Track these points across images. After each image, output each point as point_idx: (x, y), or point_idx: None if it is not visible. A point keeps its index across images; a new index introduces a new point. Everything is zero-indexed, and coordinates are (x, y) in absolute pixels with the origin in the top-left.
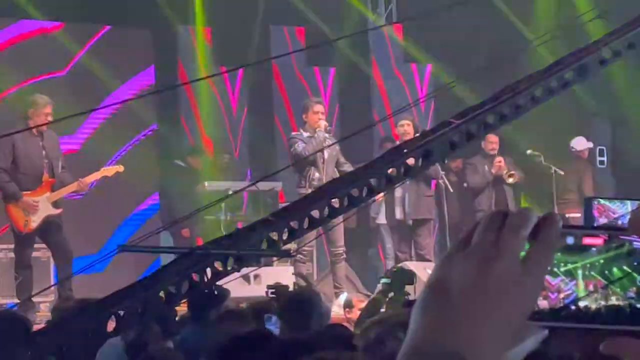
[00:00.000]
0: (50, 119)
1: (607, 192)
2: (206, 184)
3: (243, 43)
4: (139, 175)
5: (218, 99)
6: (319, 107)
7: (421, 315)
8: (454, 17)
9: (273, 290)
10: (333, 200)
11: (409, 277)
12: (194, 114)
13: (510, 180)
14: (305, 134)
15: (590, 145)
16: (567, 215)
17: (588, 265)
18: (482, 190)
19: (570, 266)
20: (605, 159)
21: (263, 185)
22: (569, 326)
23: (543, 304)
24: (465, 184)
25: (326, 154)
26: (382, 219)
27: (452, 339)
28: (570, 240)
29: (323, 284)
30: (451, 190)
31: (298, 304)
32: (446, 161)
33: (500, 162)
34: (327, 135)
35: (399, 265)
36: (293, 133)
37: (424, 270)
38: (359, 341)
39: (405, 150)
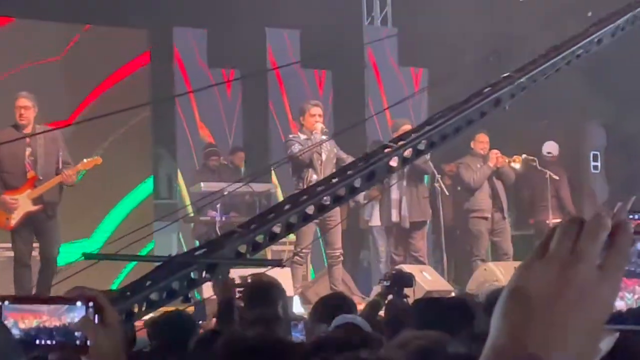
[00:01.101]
0: (23, 112)
1: (601, 197)
2: (202, 184)
3: (239, 44)
4: (133, 160)
5: (219, 101)
6: (316, 110)
7: (502, 320)
8: (449, 22)
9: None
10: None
11: (408, 279)
12: (193, 113)
13: (517, 165)
14: (303, 137)
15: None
16: (547, 221)
17: None
18: (479, 188)
19: None
20: (599, 164)
21: (258, 187)
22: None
23: (619, 304)
24: (459, 188)
25: (324, 155)
26: (375, 221)
27: (533, 345)
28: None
29: (318, 285)
30: (447, 193)
31: (261, 291)
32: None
33: (497, 154)
34: (323, 137)
35: (398, 267)
36: (290, 135)
37: (420, 273)
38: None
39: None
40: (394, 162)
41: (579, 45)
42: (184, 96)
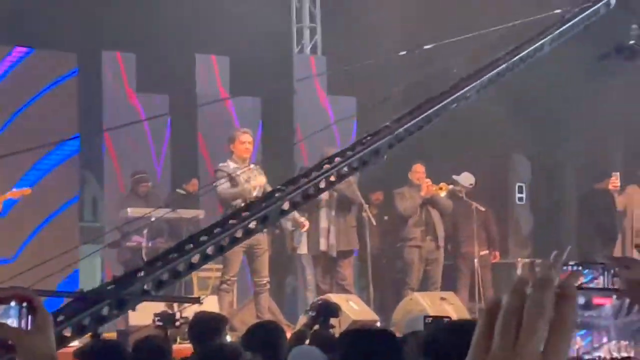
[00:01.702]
0: None
1: (526, 228)
2: (128, 210)
3: (168, 70)
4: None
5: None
6: (246, 137)
7: None
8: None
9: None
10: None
11: (334, 309)
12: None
13: (443, 193)
14: (233, 165)
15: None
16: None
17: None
18: (411, 216)
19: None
20: (524, 195)
21: (185, 213)
22: None
23: None
24: (385, 217)
25: (253, 184)
26: (303, 249)
27: None
28: (581, 300)
29: (244, 313)
30: (374, 222)
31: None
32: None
33: (427, 182)
34: (254, 166)
35: (324, 297)
36: (220, 165)
37: (346, 303)
38: None
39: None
40: (286, 206)
41: (448, 100)
42: (113, 120)
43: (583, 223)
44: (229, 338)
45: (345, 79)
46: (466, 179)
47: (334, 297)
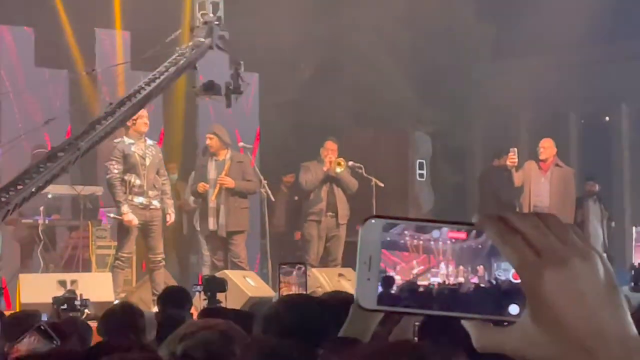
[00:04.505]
0: None
1: (427, 206)
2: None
3: (67, 45)
4: None
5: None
6: (143, 112)
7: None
8: (283, 28)
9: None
10: None
11: (221, 284)
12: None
13: (338, 169)
14: (128, 140)
15: None
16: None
17: None
18: (312, 190)
19: None
20: (424, 171)
21: (83, 190)
22: None
23: None
24: (295, 197)
25: (148, 161)
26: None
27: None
28: (436, 233)
29: (141, 290)
30: (272, 199)
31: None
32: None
33: (330, 158)
34: (149, 142)
35: (220, 272)
36: (116, 140)
37: (243, 279)
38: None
39: None
40: None
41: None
42: (6, 95)
43: (483, 200)
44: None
45: (250, 55)
46: None
47: (230, 274)
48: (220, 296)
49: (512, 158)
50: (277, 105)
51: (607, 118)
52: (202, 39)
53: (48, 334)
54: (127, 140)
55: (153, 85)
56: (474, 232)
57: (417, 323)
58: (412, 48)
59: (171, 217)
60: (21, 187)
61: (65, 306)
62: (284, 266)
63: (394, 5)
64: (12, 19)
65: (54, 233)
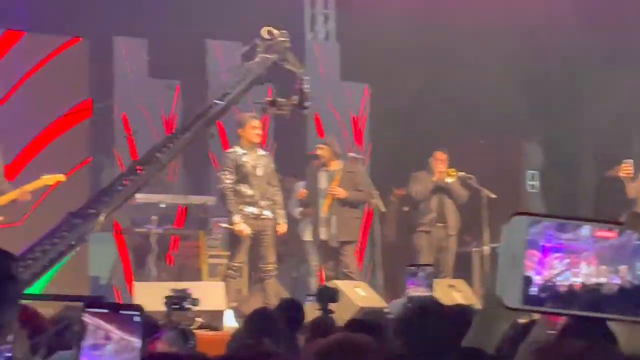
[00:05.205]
0: None
1: None
2: (137, 195)
3: (179, 56)
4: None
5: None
6: (255, 122)
7: None
8: (393, 39)
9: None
10: None
11: (333, 295)
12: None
13: (449, 179)
14: (240, 151)
15: None
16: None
17: None
18: (422, 200)
19: None
20: (537, 183)
21: (195, 199)
22: None
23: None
24: (405, 208)
25: (260, 171)
26: (308, 237)
27: None
28: (583, 231)
29: (252, 299)
30: (383, 209)
31: None
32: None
33: (440, 169)
34: (261, 152)
35: (330, 283)
36: (228, 151)
37: (353, 290)
38: None
39: None
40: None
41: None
42: (124, 106)
43: (597, 211)
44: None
45: (358, 65)
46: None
47: (341, 284)
48: (332, 306)
49: (627, 169)
50: (387, 115)
51: None
52: (268, 55)
53: (185, 334)
54: (239, 150)
55: (225, 100)
56: (620, 231)
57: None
58: (521, 57)
59: (282, 227)
60: (108, 199)
61: (176, 305)
62: (411, 267)
63: (503, 14)
64: (126, 29)
65: (167, 242)
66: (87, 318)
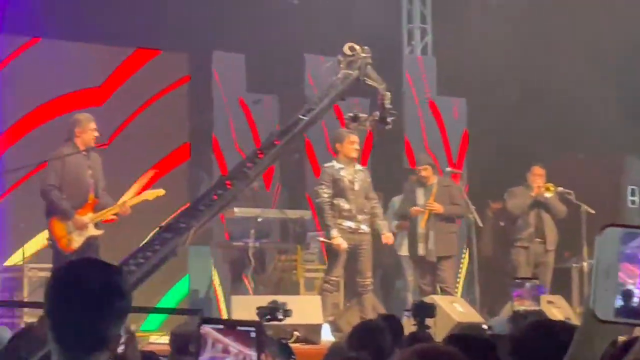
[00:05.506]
0: (96, 134)
1: None
2: (235, 209)
3: (276, 70)
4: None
5: (250, 126)
6: (354, 138)
7: None
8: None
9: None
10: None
11: (430, 310)
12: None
13: (547, 194)
14: (338, 165)
15: None
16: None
17: None
18: (519, 216)
19: None
20: (637, 198)
21: (292, 214)
22: None
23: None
24: (502, 223)
25: (357, 185)
26: (404, 252)
27: None
28: None
29: (349, 314)
30: (480, 224)
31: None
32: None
33: (539, 184)
34: (359, 167)
35: (428, 298)
36: (326, 165)
37: (450, 305)
38: None
39: None
40: None
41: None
42: (222, 121)
43: None
44: (330, 337)
45: (456, 80)
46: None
47: (438, 299)
48: (429, 322)
49: None
50: (484, 130)
51: None
52: (350, 71)
53: (287, 348)
54: (336, 164)
55: (309, 115)
56: None
57: None
58: (620, 70)
59: (388, 237)
60: (198, 213)
61: (268, 316)
62: (517, 280)
63: (602, 29)
64: (224, 44)
65: (264, 256)
66: (205, 332)
